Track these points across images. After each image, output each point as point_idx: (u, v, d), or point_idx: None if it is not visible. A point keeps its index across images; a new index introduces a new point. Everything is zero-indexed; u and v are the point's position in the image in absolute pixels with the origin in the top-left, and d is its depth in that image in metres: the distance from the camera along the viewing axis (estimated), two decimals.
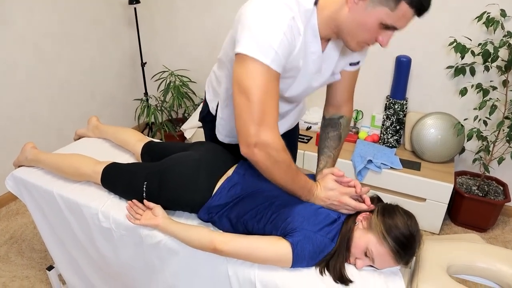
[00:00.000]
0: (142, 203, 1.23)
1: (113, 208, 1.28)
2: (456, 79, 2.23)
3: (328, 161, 1.24)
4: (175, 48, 3.09)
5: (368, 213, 1.06)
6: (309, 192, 1.09)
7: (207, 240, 1.03)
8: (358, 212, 1.09)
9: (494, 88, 2.04)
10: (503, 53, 1.94)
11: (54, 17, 2.49)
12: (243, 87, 0.91)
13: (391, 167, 2.21)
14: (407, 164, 2.25)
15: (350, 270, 1.03)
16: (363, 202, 1.09)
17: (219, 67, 1.23)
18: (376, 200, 1.14)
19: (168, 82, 2.91)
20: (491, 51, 1.91)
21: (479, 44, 1.98)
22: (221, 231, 1.16)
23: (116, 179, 1.31)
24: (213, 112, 1.32)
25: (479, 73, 2.11)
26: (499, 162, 2.07)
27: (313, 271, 1.03)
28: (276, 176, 1.01)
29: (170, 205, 1.22)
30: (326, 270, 1.01)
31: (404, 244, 0.98)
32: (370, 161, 2.22)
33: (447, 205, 2.14)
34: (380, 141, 2.48)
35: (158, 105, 2.99)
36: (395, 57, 2.29)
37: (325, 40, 1.04)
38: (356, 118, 2.59)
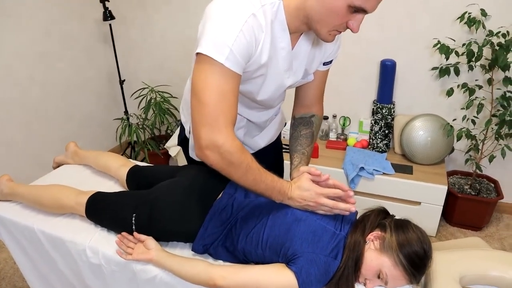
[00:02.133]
0: (132, 235, 1.14)
1: (101, 242, 1.19)
2: (441, 80, 2.23)
3: (302, 158, 1.19)
4: (154, 63, 3.01)
5: (379, 232, 1.01)
6: (279, 193, 1.02)
7: (206, 276, 0.96)
8: (364, 228, 1.03)
9: (480, 87, 2.04)
10: (486, 51, 1.95)
11: (25, 37, 2.37)
12: (196, 88, 0.88)
13: (384, 173, 2.18)
14: (399, 169, 2.22)
15: None
16: (345, 202, 1.03)
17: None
18: (383, 213, 1.08)
19: (148, 99, 2.82)
20: (475, 50, 1.92)
21: (463, 45, 1.98)
22: (220, 261, 1.08)
23: (102, 211, 1.22)
24: (188, 135, 1.26)
25: (463, 73, 2.12)
26: (490, 160, 2.07)
27: None
28: (235, 177, 0.95)
29: (162, 237, 1.14)
30: None
31: (419, 265, 0.94)
32: (362, 168, 2.18)
33: (442, 207, 2.12)
34: (369, 147, 2.45)
35: (139, 123, 2.89)
36: (380, 61, 2.27)
37: (296, 34, 1.01)
38: (344, 125, 2.56)
